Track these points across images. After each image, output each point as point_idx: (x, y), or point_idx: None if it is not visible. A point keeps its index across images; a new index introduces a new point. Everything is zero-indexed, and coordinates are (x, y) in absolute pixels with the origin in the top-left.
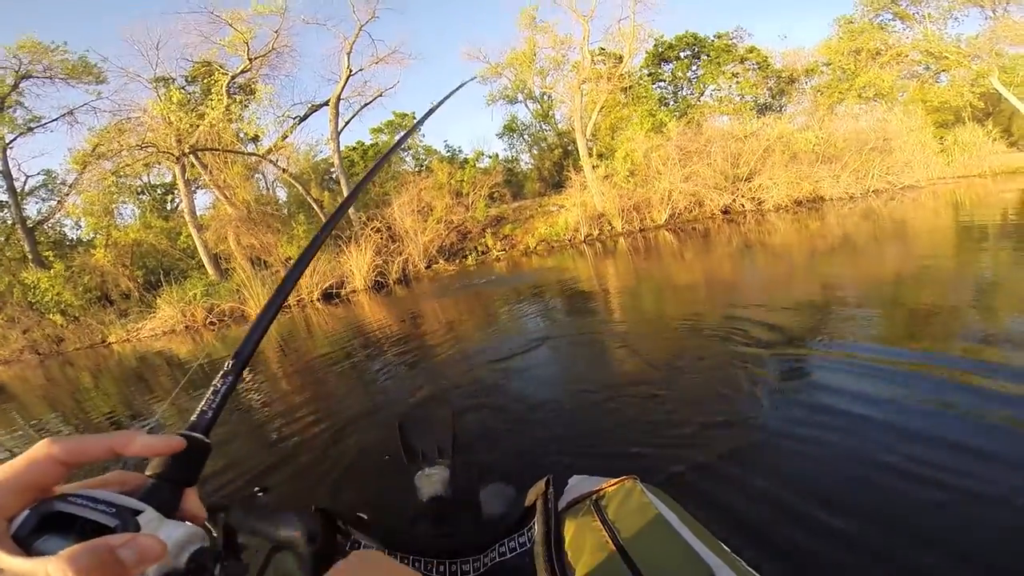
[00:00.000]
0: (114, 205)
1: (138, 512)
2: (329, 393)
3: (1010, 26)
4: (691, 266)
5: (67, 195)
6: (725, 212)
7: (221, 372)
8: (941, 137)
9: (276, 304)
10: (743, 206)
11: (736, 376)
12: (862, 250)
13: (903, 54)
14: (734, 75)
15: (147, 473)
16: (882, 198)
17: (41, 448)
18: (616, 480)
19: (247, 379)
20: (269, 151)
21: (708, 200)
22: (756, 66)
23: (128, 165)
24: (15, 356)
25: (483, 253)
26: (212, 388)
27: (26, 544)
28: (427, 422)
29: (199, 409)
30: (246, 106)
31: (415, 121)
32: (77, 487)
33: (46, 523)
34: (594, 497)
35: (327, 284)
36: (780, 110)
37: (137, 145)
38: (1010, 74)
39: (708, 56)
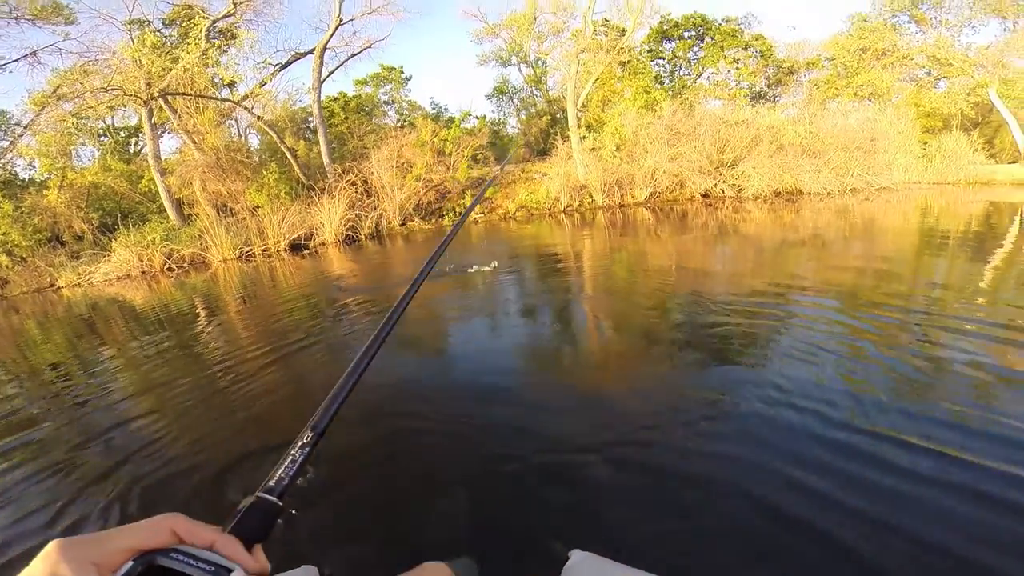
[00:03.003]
0: (72, 147)
1: (230, 571)
2: (288, 380)
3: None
4: (666, 246)
5: (20, 136)
6: (704, 196)
7: (299, 443)
8: (925, 142)
9: (359, 370)
10: (723, 191)
11: (693, 373)
12: (830, 245)
13: (909, 57)
14: (735, 60)
15: (225, 529)
16: (858, 197)
17: (166, 522)
18: None
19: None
20: (245, 97)
21: (690, 182)
22: (759, 54)
23: (91, 108)
24: None
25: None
26: (290, 457)
27: None
28: None
29: (277, 475)
30: (225, 51)
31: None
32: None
33: (148, 575)
34: None
35: (295, 235)
36: (774, 100)
37: (102, 87)
38: (1009, 87)
39: (712, 39)
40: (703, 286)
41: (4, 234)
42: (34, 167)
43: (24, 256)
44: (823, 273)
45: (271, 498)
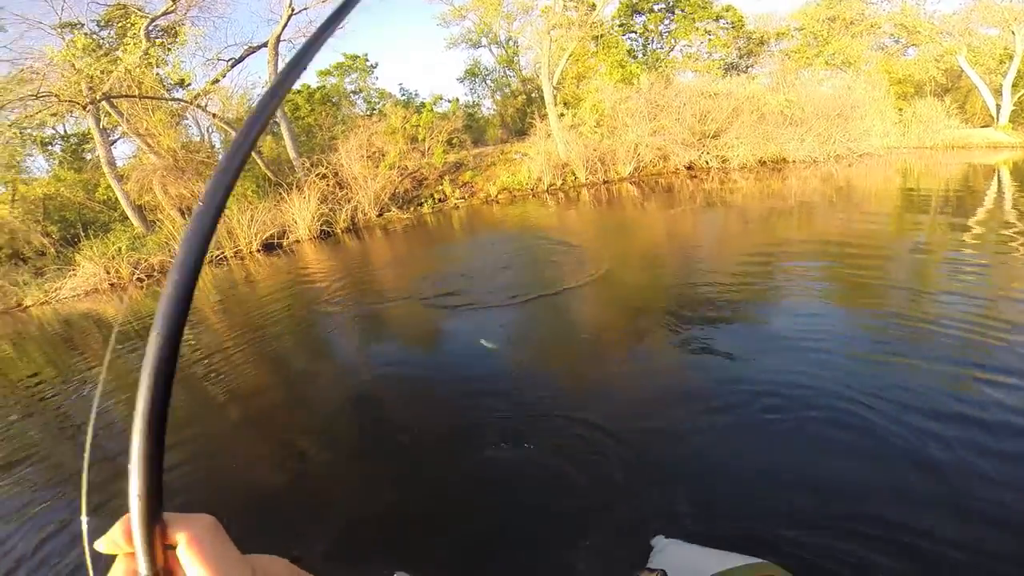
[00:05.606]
0: (19, 159)
1: None
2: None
3: (988, 7)
4: (654, 221)
5: None
6: (689, 168)
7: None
8: (901, 109)
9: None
10: (708, 163)
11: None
12: (819, 212)
13: (877, 25)
14: (707, 32)
15: None
16: (842, 163)
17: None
18: (749, 564)
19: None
20: (197, 96)
21: (674, 155)
22: (730, 25)
23: (30, 116)
24: None
25: (440, 201)
26: None
27: None
28: None
29: None
30: (170, 50)
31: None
32: None
33: None
34: None
35: (267, 234)
36: (746, 71)
37: (31, 94)
38: (976, 54)
39: (683, 11)
40: (703, 261)
41: None
42: None
43: None
44: (828, 236)
45: None
